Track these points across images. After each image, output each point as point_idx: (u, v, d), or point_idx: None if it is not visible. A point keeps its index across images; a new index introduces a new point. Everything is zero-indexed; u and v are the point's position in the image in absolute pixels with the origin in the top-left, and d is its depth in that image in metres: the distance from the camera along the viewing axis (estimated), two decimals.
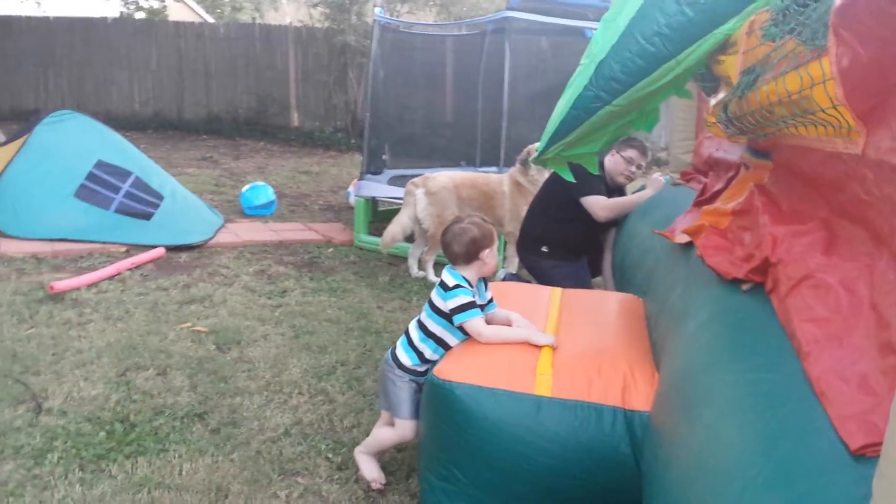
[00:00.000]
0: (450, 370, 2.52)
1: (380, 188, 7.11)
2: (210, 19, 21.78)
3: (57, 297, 4.79)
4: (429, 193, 5.91)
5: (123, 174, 6.51)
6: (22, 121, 10.62)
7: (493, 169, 6.76)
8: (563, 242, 4.85)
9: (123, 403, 3.48)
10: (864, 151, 1.62)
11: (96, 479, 2.87)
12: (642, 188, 4.78)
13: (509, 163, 6.11)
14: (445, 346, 2.79)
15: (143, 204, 6.44)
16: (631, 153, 4.83)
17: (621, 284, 4.19)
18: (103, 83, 14.99)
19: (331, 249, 6.64)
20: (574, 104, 2.75)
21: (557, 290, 3.44)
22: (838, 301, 1.63)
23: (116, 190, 6.37)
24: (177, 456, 3.06)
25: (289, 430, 3.33)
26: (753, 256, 2.10)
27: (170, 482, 2.87)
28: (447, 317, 2.76)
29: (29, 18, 15.22)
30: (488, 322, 2.81)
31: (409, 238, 6.22)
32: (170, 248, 6.09)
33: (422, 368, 2.81)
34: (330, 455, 3.14)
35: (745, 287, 2.13)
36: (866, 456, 1.25)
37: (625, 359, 2.54)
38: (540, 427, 2.34)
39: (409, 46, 8.53)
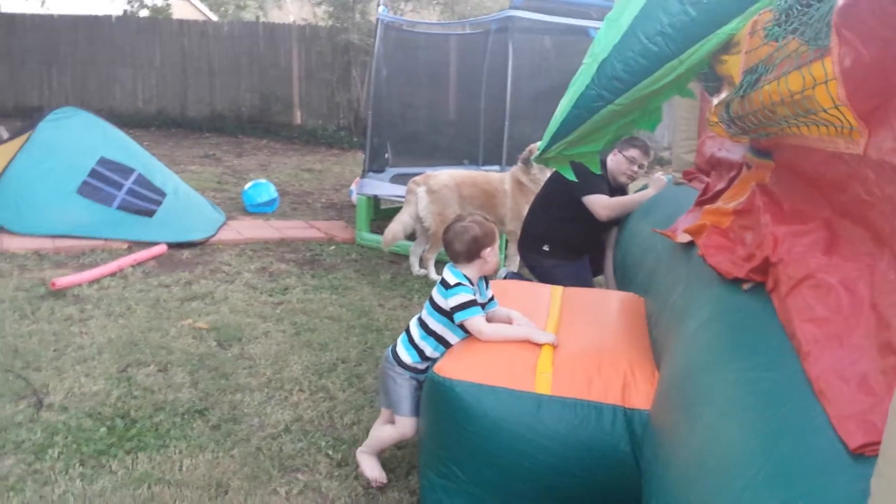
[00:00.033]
0: (450, 368, 2.52)
1: (382, 186, 7.11)
2: (214, 17, 21.81)
3: (59, 294, 4.79)
4: (430, 192, 5.91)
5: (126, 171, 6.51)
6: (26, 118, 10.62)
7: (496, 168, 6.76)
8: (565, 241, 4.85)
9: (124, 399, 3.48)
10: (866, 152, 1.62)
11: (97, 475, 2.87)
12: (644, 187, 4.78)
13: (512, 162, 6.11)
14: (446, 344, 2.80)
15: (145, 201, 6.45)
16: (633, 152, 4.83)
17: (622, 283, 4.19)
18: (107, 81, 15.01)
19: (332, 247, 6.65)
20: (576, 103, 2.75)
21: (558, 289, 3.44)
22: (839, 301, 1.63)
23: (119, 187, 6.38)
24: (177, 452, 3.07)
25: (289, 427, 3.34)
26: (754, 256, 2.10)
27: (170, 478, 2.88)
28: (448, 315, 2.76)
29: (33, 16, 15.24)
30: (489, 320, 2.81)
31: (411, 236, 6.23)
32: (172, 245, 6.09)
33: (422, 366, 2.81)
34: (330, 452, 3.14)
35: (745, 287, 2.13)
36: (865, 455, 1.25)
37: (625, 357, 2.54)
38: (540, 425, 2.34)
39: (413, 45, 8.53)
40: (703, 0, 2.47)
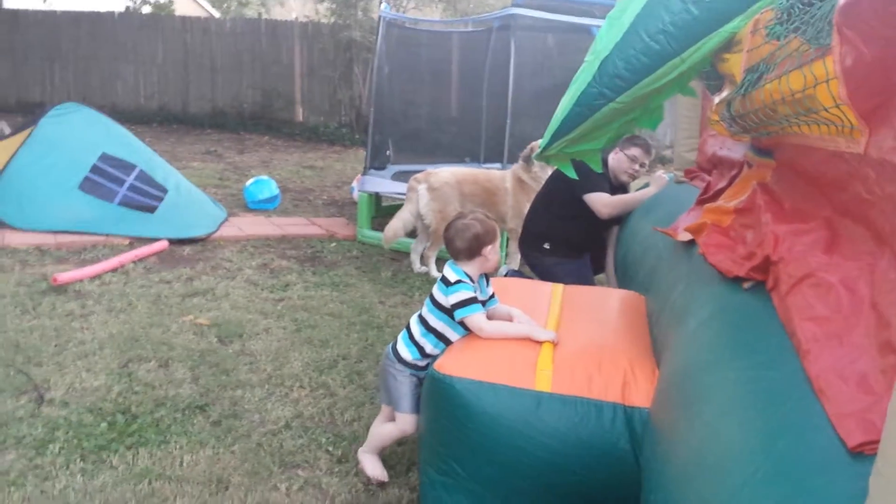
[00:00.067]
0: (450, 365, 2.52)
1: (383, 183, 7.11)
2: (216, 14, 21.79)
3: (60, 289, 4.80)
4: (431, 189, 5.91)
5: (128, 167, 6.52)
6: (28, 113, 10.63)
7: (497, 166, 6.76)
8: (566, 239, 4.85)
9: (125, 395, 3.49)
10: (867, 150, 1.62)
11: (97, 470, 2.88)
12: (646, 185, 4.78)
13: (513, 160, 6.11)
14: (446, 341, 2.80)
15: (147, 197, 6.45)
16: (635, 151, 4.82)
17: (623, 281, 4.19)
18: (109, 77, 15.01)
19: (334, 244, 6.65)
20: (578, 101, 2.75)
21: (559, 287, 3.44)
22: (839, 300, 1.63)
23: (121, 183, 6.38)
24: (178, 447, 3.08)
25: (289, 423, 3.34)
26: (755, 255, 2.11)
27: (171, 473, 2.89)
28: (448, 312, 2.77)
29: (36, 12, 15.25)
30: (489, 317, 2.81)
31: (412, 234, 6.23)
32: (173, 241, 6.10)
33: (422, 363, 2.82)
34: (330, 448, 3.15)
35: (746, 285, 2.14)
36: (864, 453, 1.25)
37: (625, 355, 2.54)
38: (540, 422, 2.34)
39: (415, 42, 8.52)
40: None
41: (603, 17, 2.88)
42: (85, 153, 6.43)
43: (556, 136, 2.95)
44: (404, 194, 6.25)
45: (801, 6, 1.90)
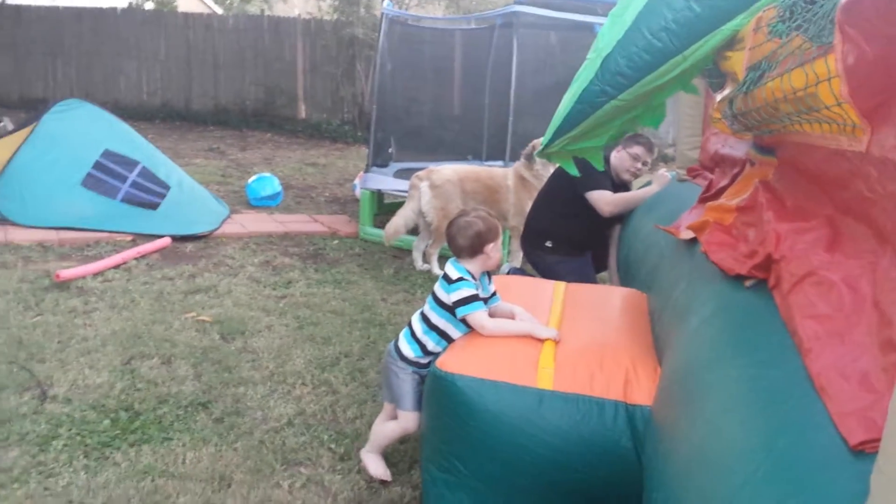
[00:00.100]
0: (452, 362, 2.52)
1: (385, 181, 7.12)
2: (219, 10, 21.74)
3: (63, 286, 4.81)
4: (433, 186, 5.92)
5: (130, 164, 6.53)
6: (30, 109, 10.65)
7: (500, 163, 6.76)
8: (568, 237, 4.85)
9: (128, 392, 3.50)
10: (869, 149, 1.62)
11: (100, 467, 2.89)
12: (648, 184, 4.78)
13: (515, 157, 6.11)
14: (448, 339, 2.80)
15: (149, 194, 6.46)
16: (637, 150, 4.82)
17: (625, 280, 4.19)
18: (112, 73, 15.03)
19: (336, 241, 6.66)
20: (580, 98, 2.75)
21: (561, 285, 3.44)
22: (840, 298, 1.63)
23: (123, 179, 6.39)
24: (180, 444, 3.08)
25: (292, 421, 3.35)
26: (757, 253, 2.10)
27: (173, 470, 2.90)
28: (450, 309, 2.77)
29: (38, 7, 15.25)
30: (491, 315, 2.81)
31: (413, 231, 6.23)
32: (176, 238, 6.11)
33: (424, 360, 2.82)
34: (333, 445, 3.15)
35: (748, 283, 2.13)
36: (865, 452, 1.25)
37: (627, 353, 2.54)
38: (541, 420, 2.35)
39: (418, 40, 8.52)
40: None
41: (605, 15, 2.87)
42: (87, 149, 6.44)
43: (558, 134, 2.95)
44: (406, 192, 6.25)
45: (803, 4, 1.90)
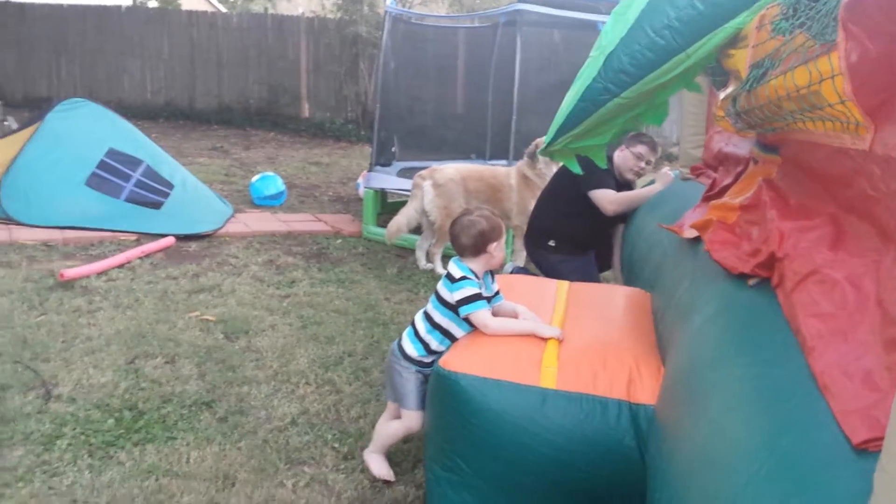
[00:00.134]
0: (455, 361, 2.52)
1: (389, 180, 7.12)
2: (223, 9, 21.78)
3: (67, 285, 4.82)
4: (436, 185, 5.91)
5: (134, 163, 6.54)
6: (34, 108, 10.66)
7: (503, 162, 6.76)
8: (571, 236, 4.84)
9: (132, 391, 3.50)
10: (872, 147, 1.61)
11: (105, 466, 2.89)
12: (651, 182, 4.77)
13: (519, 156, 6.10)
14: (451, 338, 2.80)
15: (153, 193, 6.47)
16: (641, 149, 4.81)
17: (629, 279, 4.18)
18: (115, 71, 15.04)
19: (339, 241, 6.66)
20: (582, 96, 2.75)
21: (564, 284, 3.44)
22: (844, 297, 1.63)
23: (127, 178, 6.40)
24: (184, 444, 3.09)
25: (296, 420, 3.35)
26: (760, 251, 2.10)
27: (177, 469, 2.90)
28: (453, 308, 2.77)
29: (43, 5, 15.27)
30: (494, 314, 2.81)
31: (416, 230, 6.23)
32: (179, 238, 6.12)
33: (428, 359, 2.82)
34: (336, 445, 3.16)
35: (751, 282, 2.13)
36: (868, 450, 1.25)
37: (630, 352, 2.54)
38: (545, 419, 2.34)
39: (421, 38, 8.52)
40: None
41: (609, 13, 2.87)
42: (91, 149, 6.45)
43: (560, 132, 2.95)
44: (409, 191, 6.25)
45: (806, 2, 1.89)
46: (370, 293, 5.22)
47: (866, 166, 1.66)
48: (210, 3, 22.87)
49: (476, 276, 2.79)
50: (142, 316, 4.41)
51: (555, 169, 5.18)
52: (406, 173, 7.06)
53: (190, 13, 15.53)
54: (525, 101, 6.63)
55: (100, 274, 5.08)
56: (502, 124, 7.34)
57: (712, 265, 2.43)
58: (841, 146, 1.78)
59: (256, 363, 3.91)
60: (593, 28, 6.44)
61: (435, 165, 6.22)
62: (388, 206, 7.42)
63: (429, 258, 6.07)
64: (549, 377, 2.41)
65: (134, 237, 6.03)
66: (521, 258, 5.84)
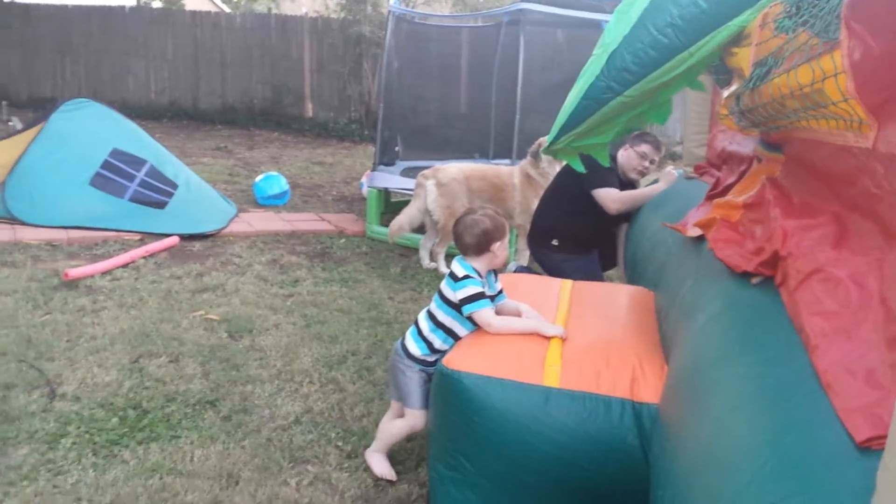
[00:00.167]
0: (459, 360, 2.52)
1: (392, 179, 7.12)
2: (226, 9, 21.82)
3: (71, 284, 4.83)
4: (439, 185, 5.92)
5: (138, 163, 6.55)
6: (39, 108, 10.68)
7: (507, 162, 6.76)
8: (574, 235, 4.84)
9: (136, 390, 3.51)
10: (875, 145, 1.61)
11: (109, 465, 2.90)
12: (655, 181, 4.77)
13: (522, 156, 6.11)
14: (455, 337, 2.80)
15: (157, 192, 6.48)
16: (644, 148, 4.81)
17: (633, 277, 4.18)
18: (119, 72, 15.08)
19: (343, 240, 6.67)
20: (585, 94, 2.74)
21: (568, 283, 3.43)
22: (847, 295, 1.63)
23: (131, 178, 6.42)
24: (188, 442, 3.09)
25: (299, 419, 3.35)
26: (764, 250, 2.10)
27: (181, 468, 2.91)
28: (456, 307, 2.77)
29: (47, 6, 15.32)
30: (498, 313, 2.81)
31: (419, 229, 6.23)
32: (183, 237, 6.13)
33: (431, 358, 2.82)
34: (340, 443, 3.16)
35: (754, 280, 2.13)
36: (871, 448, 1.25)
37: (634, 351, 2.54)
38: (548, 418, 2.34)
39: (424, 37, 8.52)
40: None
41: (612, 12, 2.87)
42: (96, 149, 6.47)
43: (563, 130, 2.94)
44: (413, 190, 6.25)
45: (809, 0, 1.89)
46: (374, 292, 5.22)
47: (869, 164, 1.66)
48: (213, 3, 22.90)
49: (479, 275, 2.79)
50: (146, 315, 4.42)
51: (558, 168, 5.18)
52: (409, 173, 7.06)
53: (194, 13, 15.57)
54: (528, 101, 6.63)
55: (104, 273, 5.09)
56: (506, 123, 7.34)
57: (716, 264, 2.43)
58: (844, 144, 1.78)
59: (260, 362, 3.92)
60: (597, 27, 6.43)
61: (438, 165, 6.23)
62: (391, 205, 7.43)
63: (432, 257, 6.07)
64: (552, 376, 2.41)
65: (138, 237, 6.04)
66: (524, 257, 5.84)
